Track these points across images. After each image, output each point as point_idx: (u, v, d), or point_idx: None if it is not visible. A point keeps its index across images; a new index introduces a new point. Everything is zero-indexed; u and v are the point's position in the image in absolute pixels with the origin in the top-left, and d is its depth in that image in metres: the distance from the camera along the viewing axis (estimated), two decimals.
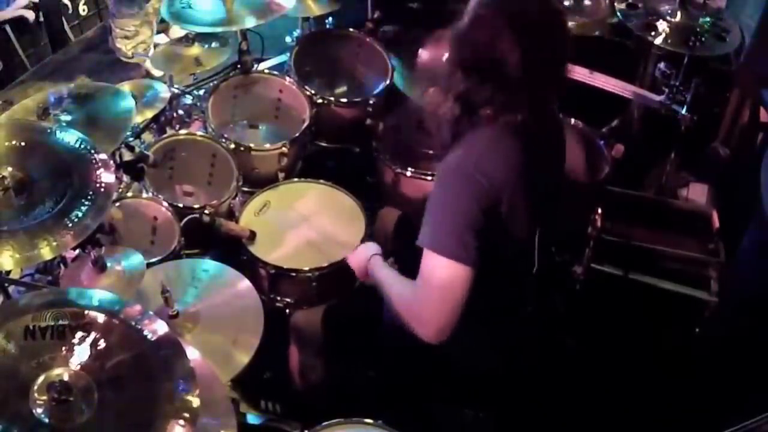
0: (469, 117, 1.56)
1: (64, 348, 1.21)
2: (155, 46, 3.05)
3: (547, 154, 1.67)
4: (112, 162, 1.83)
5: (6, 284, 1.89)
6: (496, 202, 1.52)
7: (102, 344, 1.22)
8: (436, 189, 1.58)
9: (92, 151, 1.67)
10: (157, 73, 3.01)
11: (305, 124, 2.63)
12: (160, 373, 1.19)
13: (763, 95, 2.43)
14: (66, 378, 1.17)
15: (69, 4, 3.93)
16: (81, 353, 1.20)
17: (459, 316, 1.53)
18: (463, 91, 1.55)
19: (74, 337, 1.22)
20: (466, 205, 1.51)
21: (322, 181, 2.43)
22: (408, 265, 1.96)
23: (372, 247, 1.91)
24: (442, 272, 1.51)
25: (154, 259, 2.01)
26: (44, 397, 1.14)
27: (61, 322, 1.23)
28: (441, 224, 1.54)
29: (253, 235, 2.18)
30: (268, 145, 2.56)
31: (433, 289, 1.54)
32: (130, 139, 2.37)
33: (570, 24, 2.81)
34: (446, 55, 1.58)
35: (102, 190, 1.60)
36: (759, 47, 2.61)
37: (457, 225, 1.51)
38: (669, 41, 2.65)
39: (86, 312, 1.25)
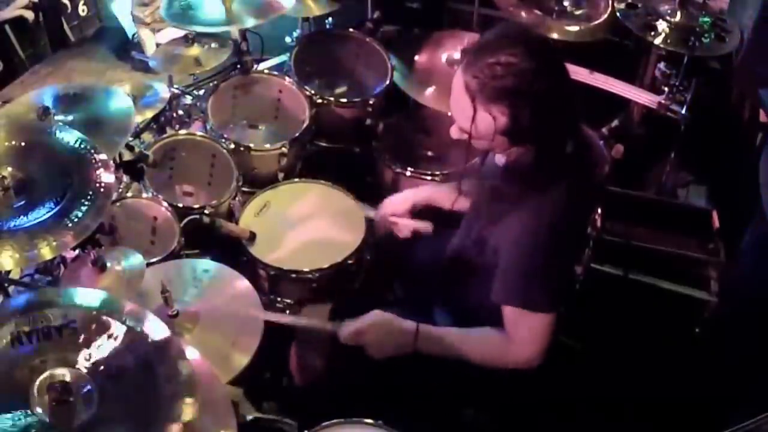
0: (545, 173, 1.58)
1: (64, 348, 1.20)
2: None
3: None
4: (112, 162, 1.82)
5: (6, 284, 1.90)
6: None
7: (102, 344, 1.22)
8: (528, 244, 1.57)
9: (92, 151, 1.67)
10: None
11: (305, 124, 2.63)
12: (160, 373, 1.19)
13: (762, 95, 2.42)
14: (66, 378, 1.17)
15: (68, 4, 3.93)
16: (82, 353, 1.20)
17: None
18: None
19: (74, 338, 1.22)
20: (563, 260, 1.65)
21: (322, 181, 2.43)
22: (404, 263, 1.97)
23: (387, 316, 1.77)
24: (535, 324, 1.61)
25: (154, 259, 2.01)
26: (44, 398, 1.14)
27: (57, 323, 1.23)
28: (534, 281, 1.59)
29: (253, 236, 2.18)
30: (268, 145, 2.56)
31: (525, 342, 1.64)
32: (130, 139, 2.36)
33: (569, 29, 2.82)
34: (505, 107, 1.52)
35: (102, 190, 1.60)
36: (756, 47, 2.60)
37: (551, 280, 1.59)
38: (669, 41, 2.64)
39: (86, 312, 1.25)
